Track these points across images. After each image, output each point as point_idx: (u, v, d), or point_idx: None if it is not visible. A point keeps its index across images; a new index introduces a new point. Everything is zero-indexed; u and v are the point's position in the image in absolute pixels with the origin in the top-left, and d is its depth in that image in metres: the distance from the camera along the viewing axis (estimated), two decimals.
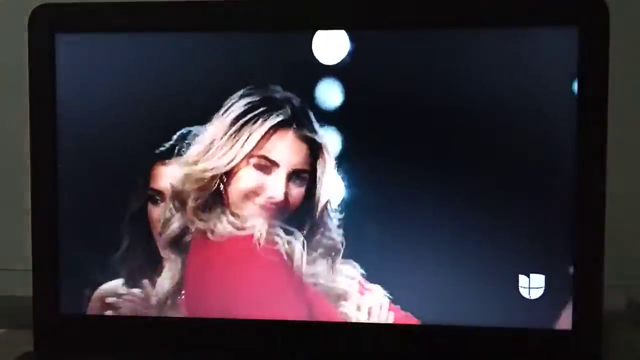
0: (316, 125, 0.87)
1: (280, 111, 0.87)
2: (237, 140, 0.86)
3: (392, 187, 0.87)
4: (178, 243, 0.89)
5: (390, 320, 0.88)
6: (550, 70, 0.84)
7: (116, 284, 0.91)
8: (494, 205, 0.86)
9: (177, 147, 0.89)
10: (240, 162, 0.86)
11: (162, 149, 0.89)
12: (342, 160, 0.87)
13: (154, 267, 0.90)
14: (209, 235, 0.88)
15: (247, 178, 0.86)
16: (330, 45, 0.87)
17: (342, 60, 0.87)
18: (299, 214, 0.88)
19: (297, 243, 0.87)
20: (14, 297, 1.00)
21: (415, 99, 0.87)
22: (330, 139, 0.87)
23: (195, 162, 0.86)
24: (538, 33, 0.84)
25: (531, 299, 0.85)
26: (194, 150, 0.88)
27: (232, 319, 0.89)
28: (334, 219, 0.88)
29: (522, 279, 0.86)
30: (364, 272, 0.88)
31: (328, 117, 0.87)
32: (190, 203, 0.88)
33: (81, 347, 0.90)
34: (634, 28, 1.01)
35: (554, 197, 0.84)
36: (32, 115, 0.89)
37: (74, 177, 0.90)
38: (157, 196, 0.90)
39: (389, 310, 0.88)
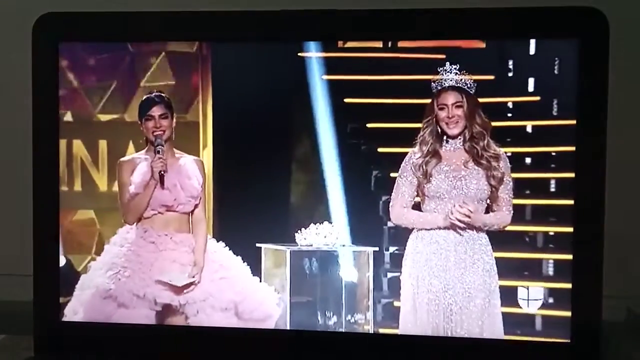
0: None
1: None
2: None
3: None
4: None
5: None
6: (552, 79, 0.84)
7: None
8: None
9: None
10: None
11: None
12: None
13: None
14: None
15: None
16: None
17: None
18: None
19: None
20: (14, 302, 0.99)
21: None
22: None
23: None
24: (540, 44, 0.84)
25: (530, 311, 0.85)
26: None
27: (230, 328, 0.89)
28: None
29: (521, 291, 0.86)
30: None
31: None
32: None
33: (81, 353, 0.89)
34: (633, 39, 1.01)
35: (553, 208, 0.84)
36: (35, 123, 0.89)
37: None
38: None
39: None
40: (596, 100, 0.81)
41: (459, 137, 0.87)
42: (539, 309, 0.85)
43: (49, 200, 0.88)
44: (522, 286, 0.85)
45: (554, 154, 0.84)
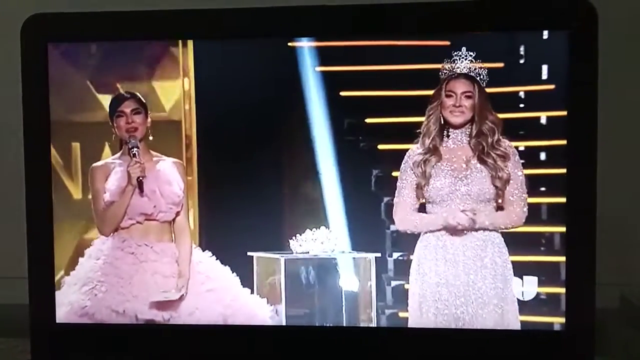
0: None
1: None
2: None
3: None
4: None
5: None
6: (543, 71, 0.83)
7: None
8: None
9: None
10: None
11: None
12: None
13: None
14: None
15: None
16: None
17: None
18: None
19: None
20: (10, 305, 0.97)
21: None
22: None
23: None
24: (532, 37, 0.83)
25: (524, 301, 0.84)
26: None
27: (223, 325, 0.87)
28: None
29: (516, 281, 0.84)
30: None
31: None
32: None
33: (77, 355, 0.88)
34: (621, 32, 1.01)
35: (546, 197, 0.84)
36: (26, 125, 0.87)
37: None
38: None
39: None
40: (586, 93, 0.81)
41: (464, 130, 0.84)
42: (532, 298, 0.84)
43: (42, 201, 0.86)
44: (516, 276, 0.84)
45: (545, 148, 0.83)
